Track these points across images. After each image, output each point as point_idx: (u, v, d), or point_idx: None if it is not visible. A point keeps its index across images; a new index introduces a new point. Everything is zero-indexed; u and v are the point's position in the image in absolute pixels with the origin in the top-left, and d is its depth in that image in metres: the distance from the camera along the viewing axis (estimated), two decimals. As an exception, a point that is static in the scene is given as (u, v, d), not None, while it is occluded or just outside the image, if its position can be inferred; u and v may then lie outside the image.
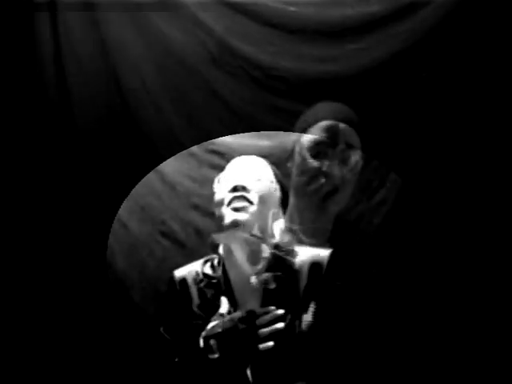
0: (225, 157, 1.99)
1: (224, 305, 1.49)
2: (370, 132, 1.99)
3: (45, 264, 2.15)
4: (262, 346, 1.38)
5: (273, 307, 1.42)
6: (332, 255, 1.51)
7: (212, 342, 1.41)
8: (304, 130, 1.88)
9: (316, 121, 1.86)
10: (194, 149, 2.06)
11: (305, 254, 1.53)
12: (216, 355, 1.40)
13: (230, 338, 1.40)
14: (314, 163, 1.82)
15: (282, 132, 1.97)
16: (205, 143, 2.04)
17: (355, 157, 1.84)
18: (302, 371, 1.40)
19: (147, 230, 2.08)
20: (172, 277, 1.61)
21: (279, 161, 1.87)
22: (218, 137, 2.04)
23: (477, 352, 1.89)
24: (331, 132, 1.83)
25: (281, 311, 1.40)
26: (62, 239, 2.16)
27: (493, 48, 2.01)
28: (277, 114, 2.13)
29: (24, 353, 2.12)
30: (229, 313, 1.46)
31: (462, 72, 2.03)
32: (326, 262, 1.50)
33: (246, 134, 2.02)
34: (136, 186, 2.01)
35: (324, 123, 1.85)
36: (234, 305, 1.49)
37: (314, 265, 1.49)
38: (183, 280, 1.58)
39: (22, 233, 2.16)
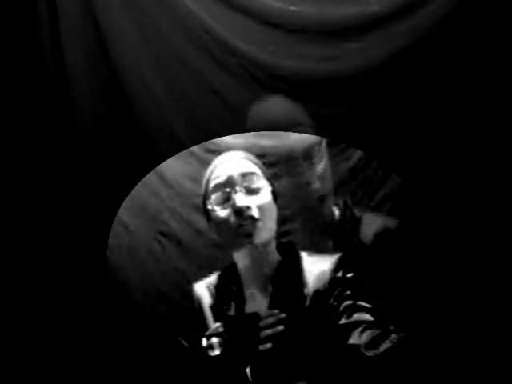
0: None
1: (232, 307, 1.51)
2: (370, 132, 2.00)
3: (45, 264, 2.15)
4: (261, 346, 1.40)
5: (276, 310, 1.43)
6: (340, 260, 1.52)
7: (214, 339, 1.43)
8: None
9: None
10: (194, 149, 2.05)
11: (312, 259, 1.54)
12: (217, 352, 1.42)
13: (232, 336, 1.42)
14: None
15: (282, 132, 1.96)
16: (205, 143, 2.04)
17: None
18: (302, 371, 1.41)
19: (147, 229, 2.08)
20: (191, 291, 1.63)
21: (279, 160, 1.87)
22: (218, 137, 2.03)
23: (477, 352, 1.89)
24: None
25: (283, 315, 1.42)
26: (61, 239, 2.16)
27: (493, 48, 2.02)
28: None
29: (24, 352, 2.13)
30: (236, 314, 1.49)
31: (463, 71, 2.04)
32: (332, 267, 1.51)
33: (246, 133, 2.02)
34: (136, 186, 2.01)
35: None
36: (242, 306, 1.51)
37: (321, 270, 1.51)
38: (201, 298, 1.60)
39: (21, 233, 2.16)
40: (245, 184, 1.51)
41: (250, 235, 1.46)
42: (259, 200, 1.50)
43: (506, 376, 1.89)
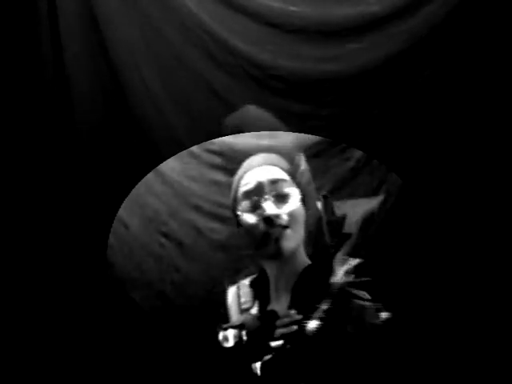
0: (225, 157, 1.99)
1: (255, 306, 1.53)
2: (370, 132, 2.00)
3: (45, 264, 2.15)
4: (273, 343, 1.42)
5: (293, 311, 1.45)
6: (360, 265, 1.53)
7: (230, 331, 1.45)
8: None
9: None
10: (194, 149, 2.05)
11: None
12: (230, 344, 1.44)
13: (247, 330, 1.44)
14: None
15: (282, 132, 1.96)
16: (205, 143, 2.04)
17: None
18: (306, 373, 1.43)
19: (147, 229, 2.08)
20: (224, 291, 1.64)
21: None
22: (218, 137, 2.03)
23: (477, 352, 1.90)
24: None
25: (299, 316, 1.44)
26: (61, 239, 2.16)
27: (493, 48, 2.02)
28: (277, 113, 2.13)
29: (24, 352, 2.12)
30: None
31: (463, 72, 2.04)
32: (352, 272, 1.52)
33: (246, 133, 2.02)
34: (136, 186, 2.01)
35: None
36: (265, 305, 1.53)
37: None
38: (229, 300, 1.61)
39: (21, 233, 2.16)
40: (274, 191, 1.51)
41: (278, 243, 1.47)
42: (288, 207, 1.49)
43: (505, 373, 1.89)
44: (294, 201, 1.52)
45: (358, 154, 1.93)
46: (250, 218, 1.51)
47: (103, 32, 2.21)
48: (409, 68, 2.08)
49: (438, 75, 2.07)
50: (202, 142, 2.05)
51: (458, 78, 2.04)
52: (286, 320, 1.44)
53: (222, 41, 2.21)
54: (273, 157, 1.62)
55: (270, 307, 1.52)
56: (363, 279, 1.51)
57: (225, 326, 1.48)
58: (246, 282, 1.63)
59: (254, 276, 1.62)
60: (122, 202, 2.01)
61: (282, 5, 2.20)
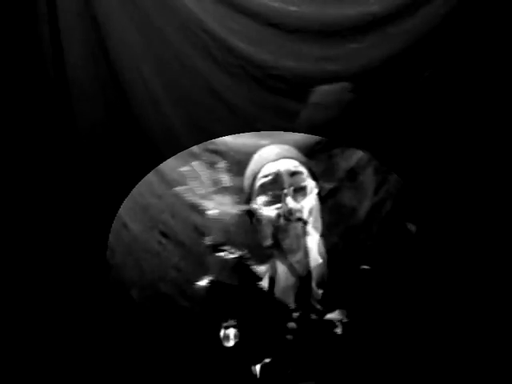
0: (225, 157, 1.99)
1: (266, 280, 1.53)
2: (370, 132, 2.00)
3: (45, 264, 2.15)
4: (287, 335, 1.42)
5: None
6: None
7: (231, 330, 1.45)
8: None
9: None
10: (194, 149, 2.05)
11: None
12: (231, 343, 1.44)
13: (249, 328, 1.45)
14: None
15: (282, 132, 1.96)
16: (205, 143, 2.04)
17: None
18: (311, 371, 1.42)
19: (147, 229, 2.08)
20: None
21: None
22: (218, 137, 2.03)
23: (478, 352, 1.90)
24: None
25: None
26: (61, 239, 2.16)
27: (493, 48, 2.02)
28: (277, 113, 2.13)
29: (24, 352, 2.12)
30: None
31: (463, 72, 2.04)
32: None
33: (246, 133, 2.02)
34: (136, 186, 2.01)
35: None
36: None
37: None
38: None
39: (22, 233, 2.16)
40: (293, 185, 1.50)
41: (301, 239, 1.46)
42: (308, 202, 1.48)
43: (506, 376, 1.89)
44: (312, 194, 1.51)
45: (358, 153, 1.93)
46: (269, 212, 1.49)
47: (103, 32, 2.21)
48: (409, 68, 2.08)
49: (438, 75, 2.07)
50: (201, 141, 2.06)
51: (459, 78, 2.04)
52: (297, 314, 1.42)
53: (222, 41, 2.21)
54: (288, 148, 1.60)
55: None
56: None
57: (225, 324, 1.47)
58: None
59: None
60: (122, 201, 2.02)
61: (282, 5, 2.20)
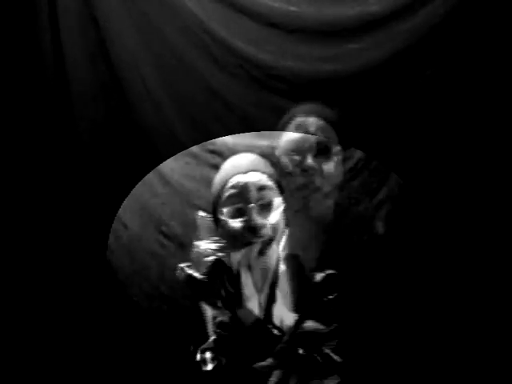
0: (225, 157, 1.99)
1: (227, 314, 1.52)
2: (370, 132, 2.00)
3: (45, 264, 2.15)
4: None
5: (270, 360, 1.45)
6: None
7: (207, 354, 1.44)
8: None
9: (290, 119, 1.85)
10: (194, 149, 2.05)
11: None
12: (209, 367, 1.43)
13: (225, 351, 1.44)
14: (292, 161, 1.77)
15: (282, 132, 1.96)
16: (205, 143, 2.04)
17: (329, 146, 1.79)
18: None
19: (147, 229, 2.08)
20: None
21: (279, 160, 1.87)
22: (218, 137, 2.03)
23: (478, 352, 1.90)
24: (303, 127, 1.80)
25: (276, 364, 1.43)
26: (61, 239, 2.16)
27: (493, 47, 2.02)
28: (277, 113, 2.13)
29: (24, 352, 2.12)
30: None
31: (463, 71, 2.03)
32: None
33: (246, 133, 2.02)
34: (136, 186, 2.01)
35: (296, 120, 1.83)
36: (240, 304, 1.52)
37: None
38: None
39: (22, 233, 2.16)
40: (260, 200, 1.49)
41: (263, 255, 1.47)
42: (273, 218, 1.48)
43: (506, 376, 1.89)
44: (279, 211, 1.50)
45: (358, 153, 1.92)
46: (234, 224, 1.49)
47: (103, 32, 2.21)
48: (409, 68, 2.08)
49: (438, 75, 2.06)
50: (201, 141, 2.05)
51: (459, 77, 2.03)
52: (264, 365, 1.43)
53: (222, 41, 2.21)
54: (259, 161, 1.60)
55: (243, 308, 1.50)
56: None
57: (202, 347, 1.46)
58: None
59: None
60: (122, 202, 2.01)
61: (282, 5, 2.20)
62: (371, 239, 1.85)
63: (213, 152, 2.06)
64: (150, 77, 2.21)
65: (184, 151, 2.07)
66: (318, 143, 1.73)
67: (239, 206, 1.50)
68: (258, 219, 1.47)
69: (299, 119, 1.81)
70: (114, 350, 2.04)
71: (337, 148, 1.77)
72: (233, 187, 1.53)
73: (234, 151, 1.93)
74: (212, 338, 1.49)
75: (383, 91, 2.08)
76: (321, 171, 1.71)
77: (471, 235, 1.96)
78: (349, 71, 2.14)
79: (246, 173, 1.55)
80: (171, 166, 2.06)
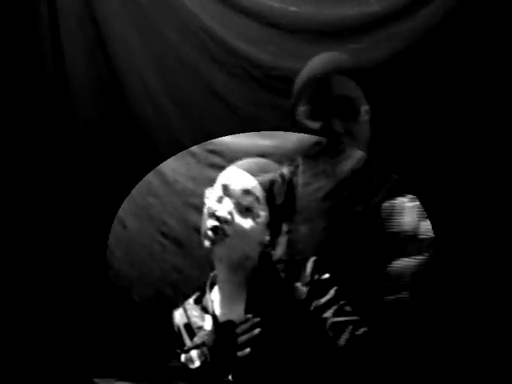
0: (225, 157, 1.99)
1: (208, 320, 1.51)
2: (371, 131, 1.99)
3: (45, 264, 2.15)
4: (240, 353, 1.40)
5: (250, 315, 1.43)
6: (315, 263, 1.53)
7: (193, 352, 1.44)
8: (298, 94, 1.71)
9: (307, 77, 1.70)
10: (194, 149, 2.05)
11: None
12: (197, 364, 1.43)
13: (210, 347, 1.43)
14: (313, 126, 1.66)
15: (282, 132, 1.96)
16: (205, 143, 2.04)
17: (357, 106, 1.65)
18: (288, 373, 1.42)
19: (147, 229, 2.07)
20: (171, 317, 1.66)
21: (279, 161, 1.87)
22: (218, 137, 2.03)
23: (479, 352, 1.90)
24: (322, 85, 1.64)
25: (257, 319, 1.42)
26: (61, 239, 2.16)
27: (493, 47, 2.02)
28: (277, 113, 2.13)
29: (24, 352, 2.12)
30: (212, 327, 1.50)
31: (463, 72, 2.04)
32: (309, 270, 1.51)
33: (246, 133, 2.02)
34: (136, 186, 2.01)
35: (313, 78, 1.68)
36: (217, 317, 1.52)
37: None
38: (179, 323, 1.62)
39: (21, 233, 2.16)
40: (241, 200, 1.48)
41: (213, 243, 1.46)
42: (243, 222, 1.47)
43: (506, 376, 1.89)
44: (252, 221, 1.48)
45: (358, 154, 1.92)
46: (205, 210, 1.51)
47: (103, 32, 2.21)
48: (409, 68, 2.08)
49: (438, 75, 2.07)
50: (201, 141, 2.05)
51: (459, 78, 2.04)
52: (246, 326, 1.42)
53: (222, 41, 2.21)
54: (259, 166, 1.58)
55: (224, 318, 1.49)
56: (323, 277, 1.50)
57: (186, 348, 1.47)
58: (191, 300, 1.63)
59: (198, 293, 1.62)
60: (122, 202, 2.01)
61: (282, 5, 2.20)
62: (370, 240, 1.85)
63: (213, 152, 2.06)
64: (150, 77, 2.21)
65: (184, 151, 2.07)
66: (344, 103, 1.57)
67: (220, 194, 1.51)
68: (224, 213, 1.47)
69: (317, 79, 1.63)
70: (114, 350, 2.04)
71: (365, 107, 1.63)
72: (224, 179, 1.54)
73: (234, 151, 1.93)
74: (194, 339, 1.50)
75: (383, 91, 2.08)
76: (351, 134, 1.57)
77: (471, 235, 1.96)
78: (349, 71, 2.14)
79: (239, 175, 1.55)
80: (171, 166, 2.06)
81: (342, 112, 1.55)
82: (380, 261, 1.80)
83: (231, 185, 1.51)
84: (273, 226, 1.53)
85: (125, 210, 2.04)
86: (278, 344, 1.41)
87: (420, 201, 1.92)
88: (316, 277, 1.49)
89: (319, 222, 1.87)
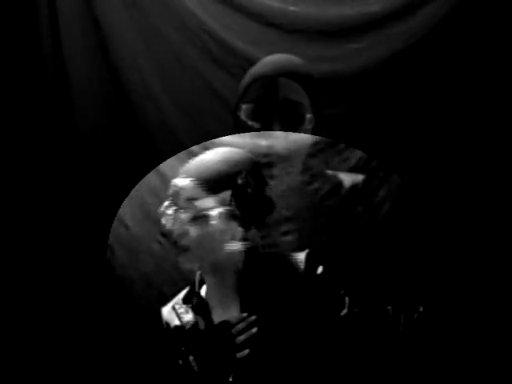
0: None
1: (201, 321, 1.50)
2: (370, 132, 2.00)
3: (45, 264, 2.15)
4: (239, 354, 1.39)
5: (245, 314, 1.42)
6: (308, 256, 1.52)
7: (190, 357, 1.43)
8: (243, 90, 1.62)
9: (256, 75, 1.60)
10: (194, 149, 2.05)
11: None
12: (195, 369, 1.42)
13: (208, 350, 1.42)
14: (253, 125, 1.59)
15: (282, 132, 1.96)
16: (205, 143, 2.04)
17: (302, 113, 1.57)
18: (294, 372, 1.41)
19: (147, 229, 2.07)
20: (160, 315, 1.64)
21: (279, 161, 1.87)
22: (218, 137, 2.03)
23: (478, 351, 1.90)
24: (269, 86, 1.54)
25: (253, 317, 1.41)
26: (61, 239, 2.16)
27: (493, 47, 2.02)
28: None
29: (24, 352, 2.12)
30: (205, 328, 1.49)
31: (463, 71, 2.04)
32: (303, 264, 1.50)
33: (246, 133, 2.01)
34: (136, 186, 2.00)
35: (262, 77, 1.57)
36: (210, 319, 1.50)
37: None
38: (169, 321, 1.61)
39: (21, 233, 2.16)
40: (190, 207, 1.46)
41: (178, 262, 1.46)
42: (198, 229, 1.44)
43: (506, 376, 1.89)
44: (212, 221, 1.45)
45: (358, 153, 1.92)
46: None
47: (103, 32, 2.22)
48: (409, 68, 2.09)
49: (438, 75, 2.07)
50: (201, 141, 2.05)
51: (459, 77, 2.04)
52: (242, 325, 1.41)
53: (222, 41, 2.22)
54: (216, 167, 1.53)
55: (218, 319, 1.46)
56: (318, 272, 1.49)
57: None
58: (180, 299, 1.60)
59: (187, 289, 1.59)
60: (122, 202, 2.01)
61: (282, 5, 2.20)
62: (369, 240, 1.85)
63: (213, 152, 2.06)
64: (150, 77, 2.22)
65: (184, 151, 2.07)
66: (288, 108, 1.49)
67: (170, 199, 1.50)
68: (176, 227, 1.46)
69: (265, 79, 1.54)
70: (114, 350, 2.04)
71: (310, 116, 1.54)
72: (179, 183, 1.53)
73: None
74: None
75: (383, 91, 2.09)
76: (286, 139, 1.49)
77: (471, 235, 1.96)
78: (348, 71, 2.14)
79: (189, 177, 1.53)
80: (171, 166, 2.06)
81: (284, 116, 1.49)
82: (377, 259, 1.80)
83: (179, 194, 1.48)
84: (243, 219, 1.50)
85: (125, 209, 2.04)
86: (278, 342, 1.40)
87: (420, 201, 1.92)
88: (310, 270, 1.48)
89: (319, 222, 1.88)
